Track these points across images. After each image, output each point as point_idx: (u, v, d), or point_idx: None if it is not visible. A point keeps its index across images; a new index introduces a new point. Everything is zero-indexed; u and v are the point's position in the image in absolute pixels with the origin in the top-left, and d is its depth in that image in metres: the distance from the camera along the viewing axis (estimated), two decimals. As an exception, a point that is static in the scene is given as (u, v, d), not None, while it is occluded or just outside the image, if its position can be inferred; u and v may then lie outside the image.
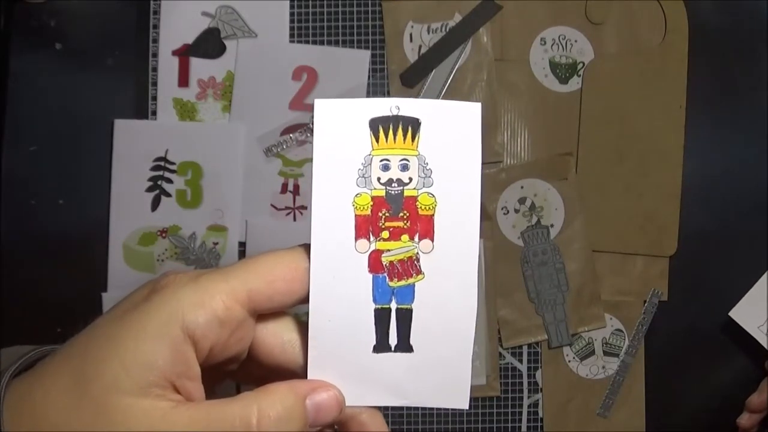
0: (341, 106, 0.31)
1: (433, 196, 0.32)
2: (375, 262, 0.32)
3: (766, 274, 0.64)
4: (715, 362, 0.67)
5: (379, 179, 0.32)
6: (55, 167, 0.66)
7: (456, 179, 0.32)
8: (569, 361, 0.67)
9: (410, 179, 0.32)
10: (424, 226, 0.32)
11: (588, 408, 0.67)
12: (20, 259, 0.65)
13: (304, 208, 0.66)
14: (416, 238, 0.32)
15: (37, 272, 0.65)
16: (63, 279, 0.65)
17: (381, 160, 0.32)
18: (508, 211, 0.67)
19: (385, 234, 0.32)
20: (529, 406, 0.67)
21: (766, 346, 0.63)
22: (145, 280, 0.32)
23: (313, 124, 0.31)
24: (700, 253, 0.67)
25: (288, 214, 0.66)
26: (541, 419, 0.67)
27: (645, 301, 0.67)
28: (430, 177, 0.32)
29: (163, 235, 0.66)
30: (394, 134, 0.32)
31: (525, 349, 0.67)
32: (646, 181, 0.67)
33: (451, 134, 0.32)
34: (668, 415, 0.67)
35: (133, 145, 0.65)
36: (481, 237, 0.43)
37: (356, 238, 0.32)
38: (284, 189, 0.66)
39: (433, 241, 0.32)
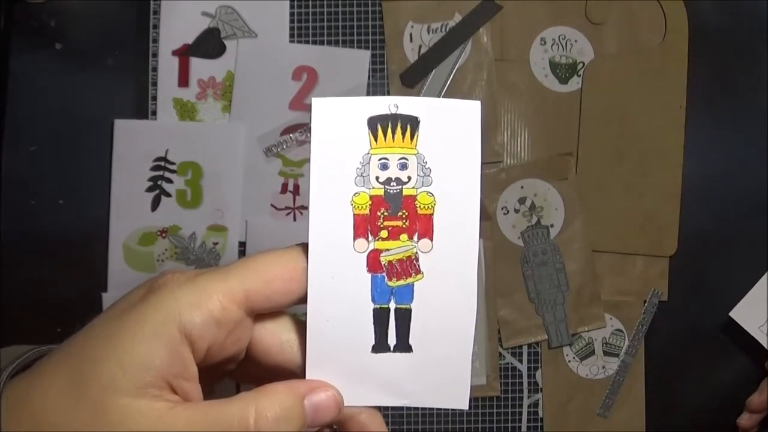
0: (339, 104, 0.31)
1: (432, 195, 0.31)
2: (374, 262, 0.32)
3: (766, 274, 0.64)
4: (715, 362, 0.67)
5: (377, 178, 0.31)
6: (55, 167, 0.66)
7: (455, 178, 0.31)
8: (569, 361, 0.67)
9: (409, 178, 0.31)
10: (423, 226, 0.32)
11: (588, 408, 0.67)
12: (20, 259, 0.65)
13: (304, 208, 0.66)
14: (415, 238, 0.32)
15: (37, 272, 0.65)
16: (63, 279, 0.65)
17: (379, 159, 0.31)
18: (508, 211, 0.66)
19: (384, 233, 0.32)
20: (529, 406, 0.67)
21: (766, 346, 0.63)
22: (145, 280, 0.32)
23: (311, 123, 0.31)
24: (700, 253, 0.67)
25: (288, 214, 0.66)
26: (541, 419, 0.67)
27: (645, 301, 0.67)
28: (429, 176, 0.31)
29: (163, 235, 0.66)
30: (393, 133, 0.31)
31: (525, 349, 0.67)
32: (646, 181, 0.66)
33: (451, 133, 0.31)
34: (668, 415, 0.67)
35: (133, 145, 0.65)
36: (481, 237, 0.43)
37: (355, 238, 0.31)
38: (284, 189, 0.66)
39: (432, 240, 0.32)
